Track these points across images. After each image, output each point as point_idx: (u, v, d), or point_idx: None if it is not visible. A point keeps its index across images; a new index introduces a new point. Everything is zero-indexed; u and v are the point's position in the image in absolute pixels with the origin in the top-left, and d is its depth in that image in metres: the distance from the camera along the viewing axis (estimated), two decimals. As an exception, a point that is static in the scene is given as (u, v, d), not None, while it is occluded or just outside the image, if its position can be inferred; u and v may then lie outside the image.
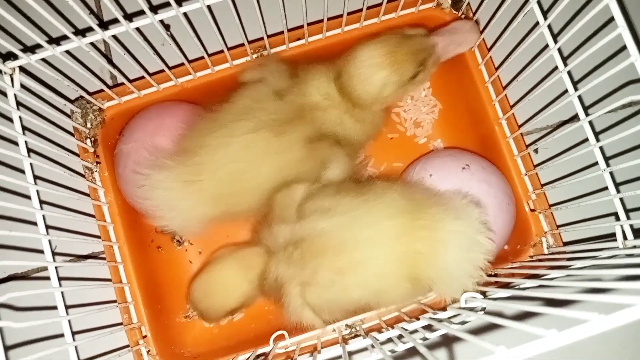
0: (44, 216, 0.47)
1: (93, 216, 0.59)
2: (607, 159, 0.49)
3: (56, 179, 0.61)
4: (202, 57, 0.58)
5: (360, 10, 0.58)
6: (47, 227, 0.48)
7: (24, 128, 0.50)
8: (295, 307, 0.48)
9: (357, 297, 0.48)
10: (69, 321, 0.45)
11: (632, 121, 0.66)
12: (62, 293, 0.46)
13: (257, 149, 0.52)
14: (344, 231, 0.47)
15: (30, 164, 0.49)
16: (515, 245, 0.60)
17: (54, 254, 0.47)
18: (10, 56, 0.50)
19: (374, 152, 0.66)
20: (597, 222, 0.62)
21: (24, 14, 0.64)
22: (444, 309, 0.49)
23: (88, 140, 0.60)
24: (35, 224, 0.47)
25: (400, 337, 0.44)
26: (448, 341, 0.61)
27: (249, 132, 0.52)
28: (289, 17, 0.53)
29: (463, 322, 0.45)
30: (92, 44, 0.53)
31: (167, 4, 0.47)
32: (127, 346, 0.56)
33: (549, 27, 0.49)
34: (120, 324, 0.57)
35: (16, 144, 0.49)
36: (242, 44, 0.58)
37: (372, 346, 0.44)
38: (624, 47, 0.40)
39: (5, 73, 0.50)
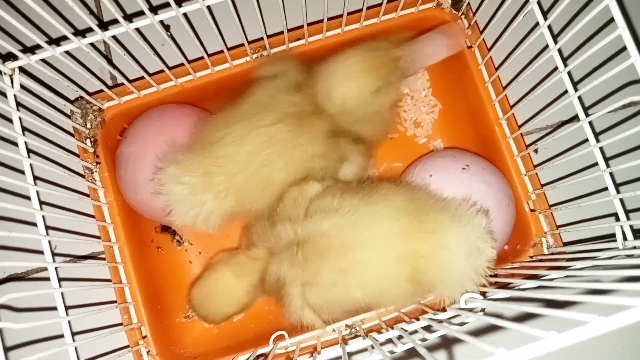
0: (43, 217, 0.47)
1: (93, 216, 0.59)
2: (607, 160, 0.49)
3: (56, 180, 0.61)
4: (202, 58, 0.57)
5: (360, 10, 0.58)
6: (47, 227, 0.48)
7: (23, 129, 0.50)
8: (295, 307, 0.48)
9: (358, 298, 0.48)
10: (69, 322, 0.45)
11: (632, 122, 0.66)
12: (62, 294, 0.46)
13: (285, 140, 0.51)
14: (347, 232, 0.47)
15: (30, 165, 0.49)
16: (515, 245, 0.60)
17: (53, 254, 0.47)
18: (10, 57, 0.50)
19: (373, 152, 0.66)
20: (597, 223, 0.62)
21: (23, 14, 0.64)
22: (443, 309, 0.49)
23: (88, 141, 0.60)
24: (35, 224, 0.47)
25: (400, 337, 0.44)
26: (448, 342, 0.61)
27: (275, 123, 0.51)
28: (289, 17, 0.53)
29: (462, 323, 0.45)
30: (92, 44, 0.53)
31: (167, 5, 0.47)
32: (127, 346, 0.56)
33: (549, 27, 0.49)
34: (120, 324, 0.57)
35: (16, 144, 0.49)
36: (242, 44, 0.58)
37: (372, 347, 0.44)
38: (624, 48, 0.40)
39: (5, 74, 0.50)
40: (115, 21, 0.66)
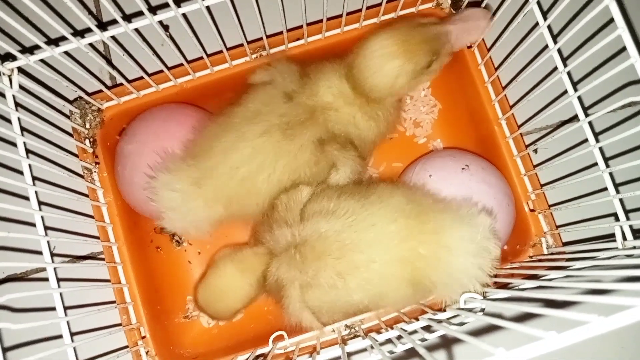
0: (42, 217, 0.47)
1: (92, 217, 0.59)
2: (606, 160, 0.49)
3: (55, 180, 0.61)
4: (201, 58, 0.57)
5: (360, 10, 0.58)
6: (46, 228, 0.48)
7: (22, 129, 0.50)
8: (294, 309, 0.48)
9: (357, 300, 0.48)
10: (68, 322, 0.45)
11: (631, 122, 0.66)
12: (60, 294, 0.46)
13: (269, 152, 0.52)
14: (346, 234, 0.47)
15: (29, 165, 0.49)
16: (514, 245, 0.60)
17: (52, 254, 0.47)
18: (8, 57, 0.50)
19: (373, 152, 0.66)
20: (597, 223, 0.62)
21: (22, 15, 0.64)
22: (443, 309, 0.49)
23: (87, 141, 0.60)
24: (33, 224, 0.47)
25: (399, 337, 0.44)
26: (447, 342, 0.61)
27: (260, 135, 0.52)
28: (288, 17, 0.53)
29: (462, 323, 0.45)
30: (91, 44, 0.53)
31: (166, 5, 0.47)
32: (126, 347, 0.56)
33: (549, 27, 0.49)
34: (119, 324, 0.57)
35: (15, 145, 0.49)
36: (241, 44, 0.58)
37: (372, 347, 0.44)
38: (624, 48, 0.40)
39: (3, 74, 0.50)
40: (114, 21, 0.66)
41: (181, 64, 0.57)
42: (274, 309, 0.62)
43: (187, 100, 0.62)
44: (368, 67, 0.52)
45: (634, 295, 0.27)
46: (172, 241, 0.65)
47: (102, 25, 0.69)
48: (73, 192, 0.56)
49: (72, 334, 0.45)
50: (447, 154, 0.60)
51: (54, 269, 0.46)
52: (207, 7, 0.49)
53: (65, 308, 0.46)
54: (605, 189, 0.49)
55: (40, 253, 0.46)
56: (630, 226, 0.48)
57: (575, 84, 0.59)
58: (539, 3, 0.49)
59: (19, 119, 0.49)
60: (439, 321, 0.45)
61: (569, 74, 0.49)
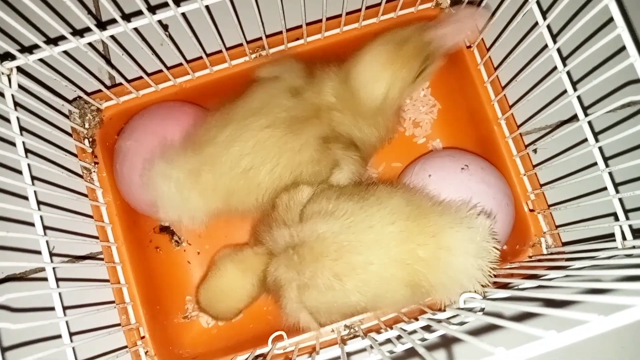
0: (41, 217, 0.47)
1: (91, 217, 0.59)
2: (606, 159, 0.49)
3: (54, 180, 0.61)
4: (201, 57, 0.57)
5: (359, 10, 0.58)
6: (45, 227, 0.47)
7: (21, 129, 0.50)
8: (292, 309, 0.48)
9: (355, 301, 0.48)
10: (67, 322, 0.45)
11: (631, 121, 0.66)
12: (59, 294, 0.45)
13: (272, 145, 0.52)
14: (344, 235, 0.47)
15: (28, 165, 0.49)
16: (514, 245, 0.60)
17: (51, 254, 0.47)
18: (7, 57, 0.49)
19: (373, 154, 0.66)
20: (596, 223, 0.62)
21: (21, 14, 0.64)
22: (443, 309, 0.48)
23: (86, 141, 0.60)
24: (32, 224, 0.47)
25: (399, 337, 0.44)
26: (447, 342, 0.61)
27: (265, 127, 0.52)
28: (288, 17, 0.53)
29: (462, 323, 0.45)
30: (90, 44, 0.53)
31: (165, 4, 0.47)
32: (125, 347, 0.55)
33: (548, 27, 0.49)
34: (119, 324, 0.57)
35: (14, 144, 0.48)
36: (241, 44, 0.58)
37: (371, 347, 0.44)
38: (623, 48, 0.40)
39: (3, 74, 0.49)
40: (113, 21, 0.66)
41: (180, 64, 0.57)
42: (273, 309, 0.62)
43: (187, 99, 0.62)
44: (360, 80, 0.53)
45: (633, 294, 0.27)
46: (172, 241, 0.65)
47: (102, 25, 0.69)
48: (72, 192, 0.56)
49: (71, 334, 0.45)
50: (446, 154, 0.60)
51: (53, 268, 0.46)
52: (207, 7, 0.49)
53: (65, 308, 0.46)
54: (605, 188, 0.49)
55: (39, 253, 0.46)
56: (630, 226, 0.48)
57: (574, 84, 0.59)
58: (538, 3, 0.49)
59: (18, 118, 0.49)
60: (439, 321, 0.45)
61: (568, 73, 0.49)
